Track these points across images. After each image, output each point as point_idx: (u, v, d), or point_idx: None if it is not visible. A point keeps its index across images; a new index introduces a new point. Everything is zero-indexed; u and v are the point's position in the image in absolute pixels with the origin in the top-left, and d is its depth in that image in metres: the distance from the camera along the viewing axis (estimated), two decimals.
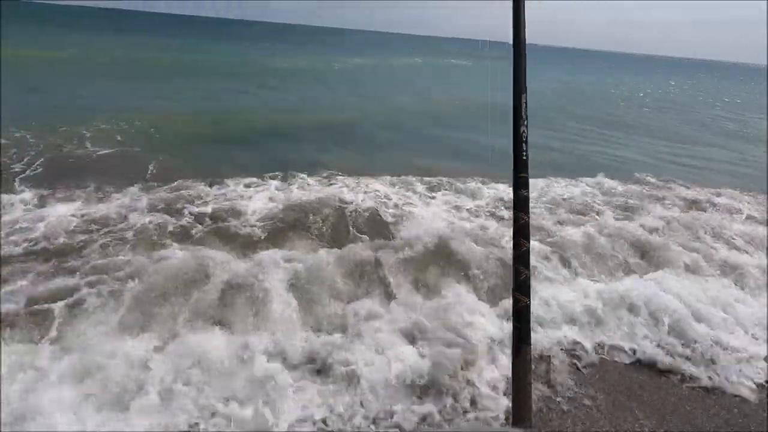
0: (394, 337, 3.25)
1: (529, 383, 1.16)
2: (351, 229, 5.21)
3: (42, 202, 5.26)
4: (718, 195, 7.71)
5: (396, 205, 6.10)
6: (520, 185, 1.09)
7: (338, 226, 5.27)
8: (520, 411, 1.19)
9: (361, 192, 6.44)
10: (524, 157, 1.09)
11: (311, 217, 5.45)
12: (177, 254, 4.19)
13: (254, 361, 2.94)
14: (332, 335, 3.30)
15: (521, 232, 1.10)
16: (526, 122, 1.08)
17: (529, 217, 1.11)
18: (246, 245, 4.57)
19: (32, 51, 19.19)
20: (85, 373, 2.73)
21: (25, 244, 4.24)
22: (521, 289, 1.11)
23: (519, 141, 1.09)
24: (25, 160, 6.65)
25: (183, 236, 4.68)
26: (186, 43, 35.47)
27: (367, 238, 4.90)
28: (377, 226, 5.34)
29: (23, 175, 6.12)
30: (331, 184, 6.68)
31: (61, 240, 4.42)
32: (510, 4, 1.11)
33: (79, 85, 13.55)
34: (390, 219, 5.62)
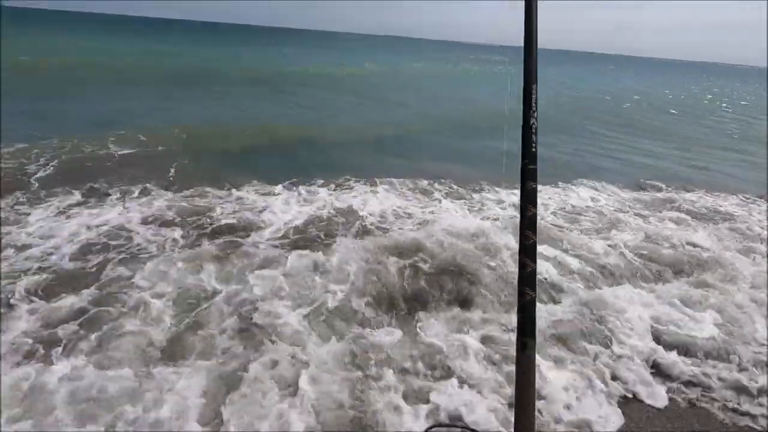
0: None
1: (533, 382, 1.13)
2: (373, 244, 4.93)
3: (61, 211, 5.24)
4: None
5: (423, 219, 5.85)
6: (528, 177, 1.07)
7: (360, 241, 5.01)
8: (523, 411, 1.16)
9: (381, 202, 6.33)
10: (533, 149, 1.07)
11: (332, 233, 5.26)
12: (194, 275, 4.08)
13: None
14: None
15: (528, 224, 1.09)
16: (536, 113, 1.07)
17: (536, 209, 1.10)
18: (264, 263, 4.39)
19: (36, 58, 19.17)
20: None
21: (39, 264, 4.13)
22: (527, 282, 1.09)
23: (528, 132, 1.07)
24: (42, 161, 6.74)
25: (201, 253, 4.51)
26: (188, 48, 35.62)
27: (393, 254, 4.66)
28: (400, 241, 5.02)
29: (39, 175, 6.22)
30: (344, 192, 6.65)
31: (76, 258, 4.29)
32: (515, 4, 1.11)
33: (92, 92, 13.70)
34: (414, 232, 5.33)
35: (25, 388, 2.72)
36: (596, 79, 41.42)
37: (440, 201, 6.64)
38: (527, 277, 1.10)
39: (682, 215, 6.85)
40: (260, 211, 5.71)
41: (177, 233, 4.93)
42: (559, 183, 8.07)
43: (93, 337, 3.23)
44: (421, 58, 50.22)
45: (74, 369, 2.90)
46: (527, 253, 1.09)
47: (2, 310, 3.46)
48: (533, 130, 1.06)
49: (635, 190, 8.22)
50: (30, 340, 3.16)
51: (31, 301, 3.59)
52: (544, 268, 4.56)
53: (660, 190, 8.40)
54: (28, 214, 5.11)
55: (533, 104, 1.06)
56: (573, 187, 7.97)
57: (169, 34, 61.50)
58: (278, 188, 6.64)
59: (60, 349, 3.11)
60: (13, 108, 10.24)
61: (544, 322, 3.68)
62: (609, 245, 5.34)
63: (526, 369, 1.15)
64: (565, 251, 5.05)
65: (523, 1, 1.06)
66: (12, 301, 3.58)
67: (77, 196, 5.76)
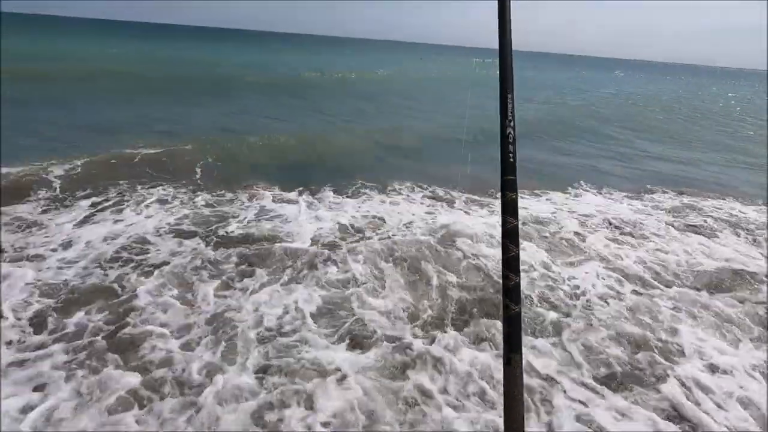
0: None
1: (521, 394, 1.13)
2: (402, 256, 4.75)
3: (82, 219, 5.17)
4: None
5: (447, 228, 5.59)
6: (507, 188, 1.07)
7: (389, 253, 4.82)
8: (511, 426, 1.15)
9: (406, 210, 6.16)
10: (511, 159, 1.07)
11: (360, 244, 5.04)
12: (220, 291, 3.95)
13: None
14: None
15: (510, 236, 1.08)
16: (512, 123, 1.07)
17: (518, 221, 1.09)
18: (292, 279, 4.21)
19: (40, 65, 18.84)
20: None
21: (56, 279, 3.97)
22: (511, 296, 1.08)
23: (506, 142, 1.07)
24: (63, 167, 6.69)
25: (225, 268, 4.34)
26: (203, 54, 35.66)
27: (424, 266, 4.51)
28: (429, 252, 4.87)
29: (60, 180, 6.22)
30: (366, 201, 6.54)
31: (97, 270, 4.16)
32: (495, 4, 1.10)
33: (113, 99, 13.62)
34: (442, 241, 5.14)
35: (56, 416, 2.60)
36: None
37: (465, 212, 6.42)
38: (511, 291, 1.09)
39: (709, 222, 6.60)
40: (283, 221, 5.55)
41: (200, 244, 4.77)
42: (569, 189, 7.92)
43: (116, 357, 3.10)
44: (424, 62, 50.73)
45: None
46: (510, 266, 1.08)
47: (3, 317, 3.40)
48: (510, 140, 1.05)
49: (649, 194, 8.04)
50: (50, 358, 3.04)
51: (49, 316, 3.46)
52: (591, 284, 4.44)
53: (674, 195, 8.19)
54: (51, 219, 5.08)
55: (509, 113, 1.06)
56: (588, 193, 7.80)
57: (180, 40, 61.77)
58: (299, 196, 6.51)
59: (81, 370, 2.98)
60: (32, 115, 10.26)
61: (594, 354, 3.51)
62: (642, 258, 5.17)
63: (513, 383, 1.14)
64: (601, 266, 4.88)
65: (497, 2, 1.04)
66: (29, 314, 3.47)
67: (99, 203, 5.71)
